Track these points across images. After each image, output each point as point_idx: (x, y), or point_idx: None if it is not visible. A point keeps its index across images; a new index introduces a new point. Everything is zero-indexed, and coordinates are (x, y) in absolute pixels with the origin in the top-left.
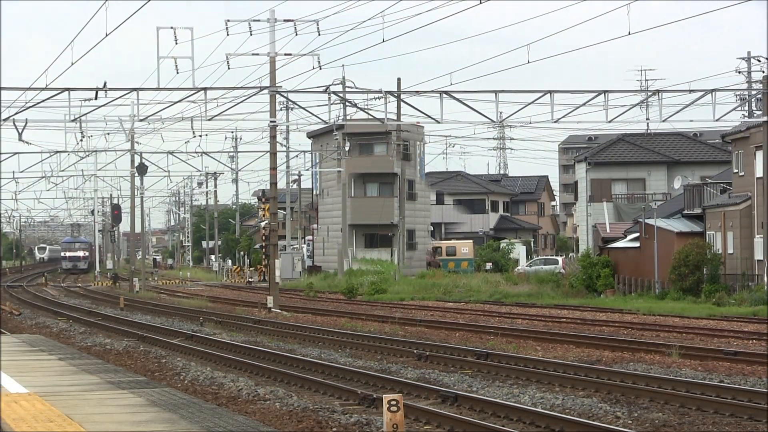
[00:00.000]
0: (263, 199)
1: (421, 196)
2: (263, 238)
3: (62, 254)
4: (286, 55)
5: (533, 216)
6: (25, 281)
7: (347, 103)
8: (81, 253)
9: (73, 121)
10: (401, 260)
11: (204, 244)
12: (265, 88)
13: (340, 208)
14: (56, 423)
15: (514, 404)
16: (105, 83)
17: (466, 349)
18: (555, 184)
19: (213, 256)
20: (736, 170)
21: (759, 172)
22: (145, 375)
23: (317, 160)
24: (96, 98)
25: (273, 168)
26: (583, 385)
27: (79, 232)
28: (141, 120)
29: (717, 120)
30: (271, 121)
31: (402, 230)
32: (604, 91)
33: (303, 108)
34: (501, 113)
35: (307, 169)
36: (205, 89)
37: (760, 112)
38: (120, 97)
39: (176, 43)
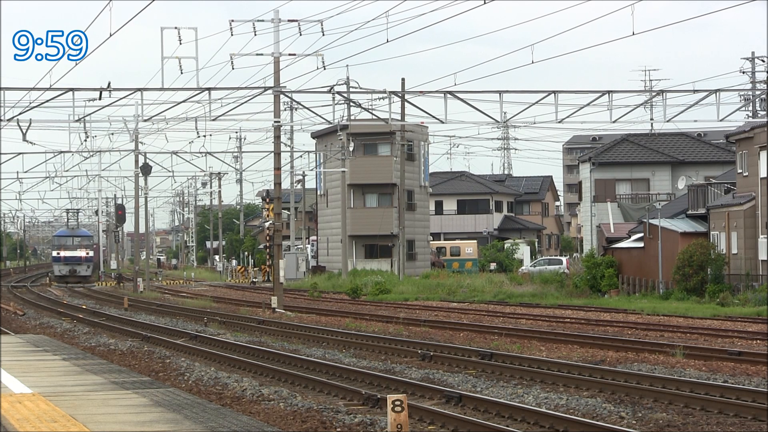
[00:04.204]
0: (267, 200)
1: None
2: (267, 238)
3: (55, 253)
4: (290, 55)
5: (537, 216)
6: (29, 281)
7: (351, 104)
8: (82, 253)
9: (77, 121)
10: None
11: (208, 244)
12: (270, 88)
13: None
14: (60, 423)
15: (519, 404)
16: (109, 83)
17: (471, 349)
18: (559, 185)
19: (217, 257)
20: (740, 170)
21: (763, 173)
22: (149, 375)
23: (321, 161)
24: (100, 98)
25: (277, 168)
26: (587, 385)
27: (77, 222)
28: (145, 120)
29: (721, 120)
30: (275, 122)
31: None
32: (609, 92)
33: (307, 108)
34: (505, 113)
35: (312, 170)
36: (209, 89)
37: (764, 112)
38: (124, 97)
39: (180, 44)
